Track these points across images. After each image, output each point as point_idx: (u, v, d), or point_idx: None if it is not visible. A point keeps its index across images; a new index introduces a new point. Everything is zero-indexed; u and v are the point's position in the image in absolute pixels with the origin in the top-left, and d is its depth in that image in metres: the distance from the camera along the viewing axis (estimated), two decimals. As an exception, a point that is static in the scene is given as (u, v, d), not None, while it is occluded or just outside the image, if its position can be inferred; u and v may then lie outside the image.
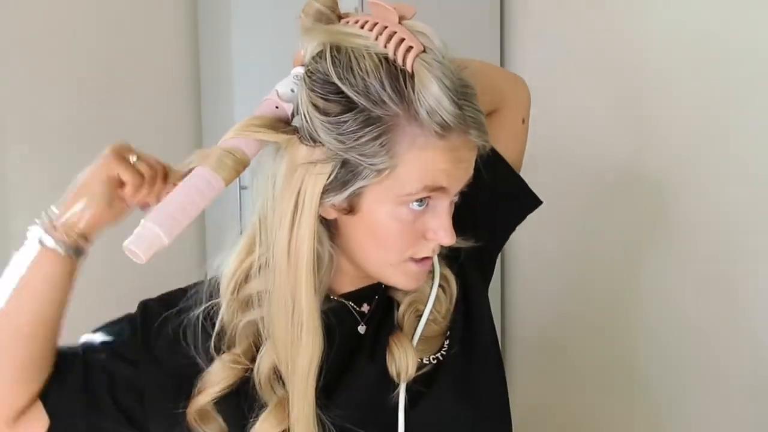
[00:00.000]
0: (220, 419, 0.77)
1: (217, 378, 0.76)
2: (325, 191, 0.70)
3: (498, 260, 1.82)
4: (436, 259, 0.83)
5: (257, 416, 0.75)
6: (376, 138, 0.67)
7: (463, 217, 0.80)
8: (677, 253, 1.50)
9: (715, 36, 1.40)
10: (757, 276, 1.38)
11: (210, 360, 0.77)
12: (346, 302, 0.82)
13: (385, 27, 0.69)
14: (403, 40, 0.68)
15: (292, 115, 0.73)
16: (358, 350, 0.81)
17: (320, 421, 0.75)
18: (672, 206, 1.51)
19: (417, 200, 0.70)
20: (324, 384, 0.76)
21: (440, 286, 0.84)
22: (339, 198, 0.70)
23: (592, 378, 1.72)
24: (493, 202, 0.90)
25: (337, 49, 0.69)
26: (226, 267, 0.79)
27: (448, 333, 0.84)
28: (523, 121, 0.95)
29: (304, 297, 0.73)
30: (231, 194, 1.80)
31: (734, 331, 1.43)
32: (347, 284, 0.82)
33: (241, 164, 0.71)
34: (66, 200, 0.74)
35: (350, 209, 0.72)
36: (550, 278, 1.80)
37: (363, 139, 0.67)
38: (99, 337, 0.80)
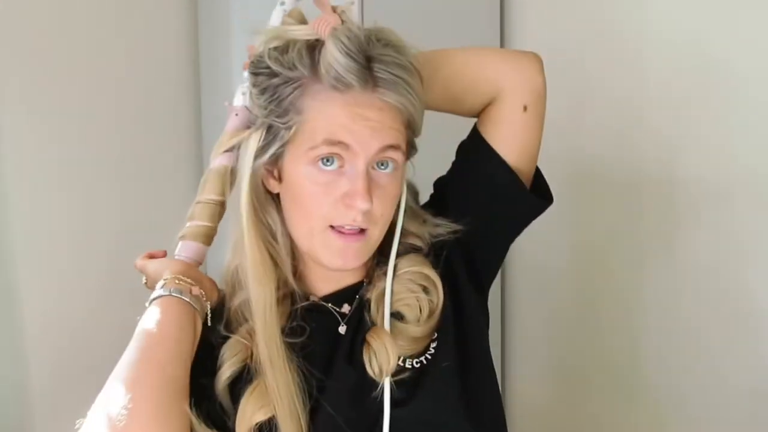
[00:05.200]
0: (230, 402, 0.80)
1: (227, 355, 0.80)
2: (256, 156, 0.79)
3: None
4: (394, 250, 0.84)
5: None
6: (286, 97, 0.76)
7: (450, 211, 0.84)
8: (679, 255, 1.50)
9: (720, 28, 1.40)
10: (758, 278, 1.38)
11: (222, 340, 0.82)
12: (324, 303, 0.84)
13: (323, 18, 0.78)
14: (325, 21, 0.77)
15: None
16: (337, 351, 0.82)
17: (314, 416, 0.78)
18: (674, 207, 1.51)
19: (324, 158, 0.76)
20: (316, 385, 0.79)
21: (423, 287, 0.84)
22: (267, 160, 0.78)
23: (593, 380, 1.72)
24: (483, 204, 0.88)
25: (274, 38, 0.79)
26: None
27: (435, 335, 0.83)
28: (526, 109, 0.85)
29: (248, 250, 0.79)
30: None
31: (735, 332, 1.43)
32: (327, 285, 0.85)
33: (227, 176, 0.85)
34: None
35: (280, 178, 0.80)
36: (551, 279, 1.80)
37: (277, 101, 0.76)
38: None
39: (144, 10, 1.88)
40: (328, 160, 0.76)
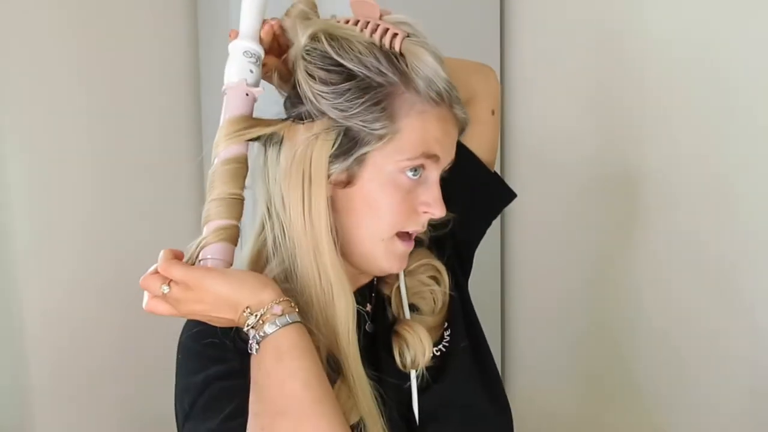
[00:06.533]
0: None
1: None
2: (330, 161, 0.74)
3: (497, 261, 1.83)
4: None
5: None
6: (377, 103, 0.72)
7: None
8: (678, 253, 1.51)
9: (715, 35, 1.40)
10: (757, 274, 1.38)
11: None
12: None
13: (368, 22, 0.75)
14: (387, 29, 0.74)
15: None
16: (375, 348, 0.83)
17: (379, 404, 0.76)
18: (673, 205, 1.51)
19: (413, 168, 0.74)
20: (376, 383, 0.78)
21: (433, 277, 0.88)
22: (343, 165, 0.74)
23: (592, 380, 1.72)
24: (467, 197, 0.92)
25: (330, 36, 0.74)
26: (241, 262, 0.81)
27: (446, 324, 0.87)
28: (493, 113, 0.97)
29: (329, 260, 0.74)
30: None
31: (735, 330, 1.43)
32: (352, 285, 0.83)
33: (246, 167, 0.76)
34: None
35: (349, 181, 0.75)
36: (550, 280, 1.80)
37: (365, 105, 0.72)
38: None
39: (144, 11, 1.88)
40: (416, 171, 0.75)
